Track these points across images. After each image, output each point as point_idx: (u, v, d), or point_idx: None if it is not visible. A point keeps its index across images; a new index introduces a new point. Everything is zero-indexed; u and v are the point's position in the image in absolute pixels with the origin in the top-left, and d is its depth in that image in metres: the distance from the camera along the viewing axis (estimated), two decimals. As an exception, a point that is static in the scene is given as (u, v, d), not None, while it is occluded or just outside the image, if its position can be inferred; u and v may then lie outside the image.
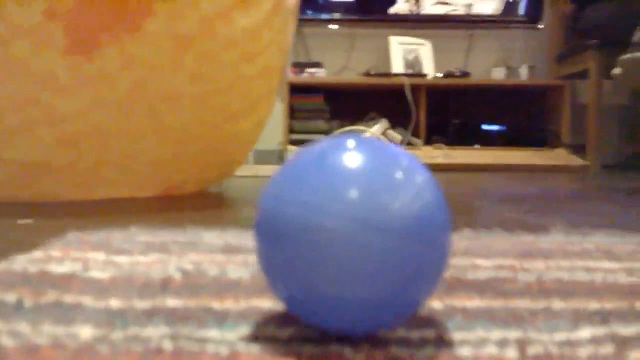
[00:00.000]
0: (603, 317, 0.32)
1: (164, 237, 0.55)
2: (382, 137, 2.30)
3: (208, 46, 0.92)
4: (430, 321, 0.31)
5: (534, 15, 2.71)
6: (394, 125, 2.44)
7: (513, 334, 0.29)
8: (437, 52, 2.68)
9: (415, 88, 2.48)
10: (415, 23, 2.69)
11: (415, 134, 2.47)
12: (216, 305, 0.34)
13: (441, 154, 2.34)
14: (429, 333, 0.29)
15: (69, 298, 0.34)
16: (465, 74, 2.60)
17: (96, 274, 0.40)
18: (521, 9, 2.72)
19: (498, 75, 2.66)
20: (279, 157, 2.41)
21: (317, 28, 2.72)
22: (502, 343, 0.28)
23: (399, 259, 0.25)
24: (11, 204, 0.89)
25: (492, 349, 0.27)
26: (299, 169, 0.27)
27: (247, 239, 0.55)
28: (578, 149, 2.41)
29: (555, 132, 2.51)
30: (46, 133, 0.86)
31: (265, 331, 0.29)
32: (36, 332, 0.29)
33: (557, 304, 0.34)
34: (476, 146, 2.44)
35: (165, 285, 0.38)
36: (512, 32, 2.78)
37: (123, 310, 0.32)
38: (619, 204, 1.01)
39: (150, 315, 0.31)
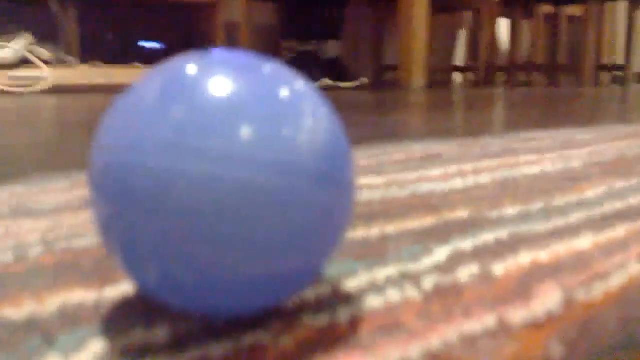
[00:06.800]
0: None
1: None
2: (27, 54, 1.96)
3: None
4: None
5: None
6: (41, 40, 2.11)
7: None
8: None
9: (61, -3, 2.17)
10: None
11: (69, 51, 2.19)
12: (14, 312, 0.21)
13: (100, 74, 2.14)
14: (325, 286, 0.23)
15: None
16: (116, -15, 2.39)
17: None
18: None
19: (152, -12, 2.52)
20: None
21: None
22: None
23: (317, 207, 0.18)
24: None
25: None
26: (150, 105, 0.17)
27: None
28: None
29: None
30: None
31: (134, 338, 0.19)
32: None
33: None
34: (137, 64, 2.30)
35: None
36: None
37: None
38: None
39: None
